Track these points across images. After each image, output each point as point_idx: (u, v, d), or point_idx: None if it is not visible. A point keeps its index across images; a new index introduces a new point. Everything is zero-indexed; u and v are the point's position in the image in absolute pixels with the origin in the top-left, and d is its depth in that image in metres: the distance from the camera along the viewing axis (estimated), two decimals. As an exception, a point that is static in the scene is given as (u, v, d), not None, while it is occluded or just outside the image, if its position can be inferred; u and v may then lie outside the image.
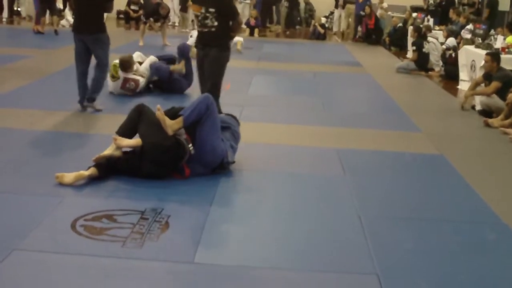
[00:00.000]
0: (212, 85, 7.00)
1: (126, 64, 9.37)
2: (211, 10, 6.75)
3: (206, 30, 6.81)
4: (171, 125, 5.58)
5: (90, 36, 7.93)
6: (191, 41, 14.98)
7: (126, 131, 5.77)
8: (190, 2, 19.96)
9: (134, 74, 9.53)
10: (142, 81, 9.57)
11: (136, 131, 5.77)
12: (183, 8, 20.82)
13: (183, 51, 9.98)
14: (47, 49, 14.08)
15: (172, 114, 5.74)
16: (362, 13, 20.05)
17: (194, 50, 9.62)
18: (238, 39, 15.25)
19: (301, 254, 4.36)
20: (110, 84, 9.38)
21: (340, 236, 4.68)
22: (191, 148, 5.61)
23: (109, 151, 5.60)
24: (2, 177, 5.52)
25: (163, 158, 5.56)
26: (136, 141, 5.65)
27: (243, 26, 18.25)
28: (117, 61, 9.42)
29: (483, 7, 18.46)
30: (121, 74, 9.36)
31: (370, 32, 19.80)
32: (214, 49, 6.95)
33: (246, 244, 4.51)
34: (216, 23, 6.77)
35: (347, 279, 4.04)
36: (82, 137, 7.03)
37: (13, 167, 5.82)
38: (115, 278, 3.85)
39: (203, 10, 6.73)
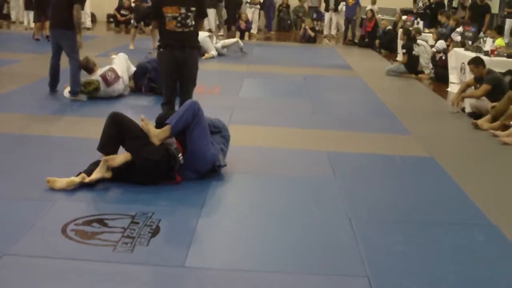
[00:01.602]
0: (193, 86, 7.17)
1: (89, 68, 9.39)
2: (193, 9, 6.82)
3: (187, 30, 6.85)
4: (157, 135, 5.55)
5: (58, 30, 9.06)
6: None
7: (108, 147, 5.63)
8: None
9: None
10: (118, 69, 9.58)
11: (118, 144, 5.68)
12: None
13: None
14: (36, 54, 14.05)
15: (162, 121, 5.73)
16: (363, 16, 20.28)
17: None
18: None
19: (292, 256, 4.37)
20: (102, 91, 9.37)
21: (331, 239, 4.69)
22: (180, 158, 5.58)
23: (99, 173, 5.48)
24: (-8, 182, 5.51)
25: (153, 170, 5.52)
26: (125, 156, 5.53)
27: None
28: (86, 84, 9.29)
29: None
30: (97, 79, 9.28)
31: (365, 35, 19.92)
32: (194, 51, 7.09)
33: (237, 248, 4.51)
34: (193, 23, 6.87)
35: (338, 282, 4.05)
36: (73, 141, 6.99)
37: (3, 171, 5.80)
38: (106, 283, 3.84)
39: (183, 10, 6.78)
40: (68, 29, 8.94)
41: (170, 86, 7.13)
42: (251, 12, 22.11)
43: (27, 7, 19.62)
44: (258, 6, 22.43)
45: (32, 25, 18.70)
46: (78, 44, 9.13)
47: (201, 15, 7.06)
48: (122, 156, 5.57)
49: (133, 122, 5.73)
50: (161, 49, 7.08)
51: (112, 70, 9.51)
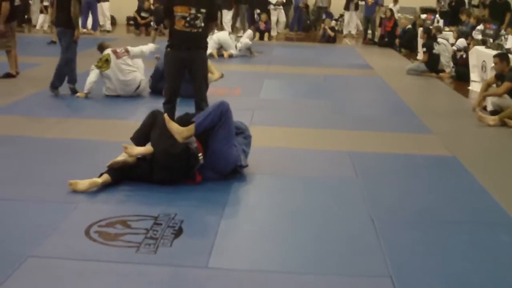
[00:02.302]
0: (205, 87, 7.22)
1: (103, 46, 9.96)
2: (203, 10, 6.81)
3: (195, 30, 6.83)
4: (181, 132, 5.54)
5: (58, 28, 9.82)
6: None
7: (140, 137, 5.79)
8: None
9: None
10: (129, 48, 9.95)
11: (148, 139, 5.78)
12: None
13: None
14: (56, 57, 14.09)
15: (185, 121, 5.72)
16: (382, 16, 20.22)
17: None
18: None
19: (315, 257, 4.36)
20: (111, 76, 9.56)
21: (354, 239, 4.67)
22: (200, 157, 5.58)
23: (122, 157, 5.60)
24: (15, 185, 5.55)
25: (173, 164, 5.54)
26: (146, 148, 5.64)
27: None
28: (99, 60, 9.68)
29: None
30: (107, 52, 9.64)
31: (385, 34, 19.85)
32: (201, 51, 7.07)
33: (260, 248, 4.51)
34: (203, 24, 6.85)
35: (361, 282, 4.03)
36: (93, 144, 7.02)
37: (26, 174, 5.85)
38: (129, 284, 3.86)
39: (193, 11, 6.77)
40: (67, 28, 9.52)
41: (172, 86, 7.10)
42: (275, 14, 22.05)
43: (41, 11, 20.25)
44: (281, 7, 22.34)
45: (42, 27, 19.38)
46: (75, 37, 9.55)
47: (211, 18, 7.03)
48: (142, 148, 5.65)
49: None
50: (168, 49, 7.09)
51: (124, 48, 9.95)
